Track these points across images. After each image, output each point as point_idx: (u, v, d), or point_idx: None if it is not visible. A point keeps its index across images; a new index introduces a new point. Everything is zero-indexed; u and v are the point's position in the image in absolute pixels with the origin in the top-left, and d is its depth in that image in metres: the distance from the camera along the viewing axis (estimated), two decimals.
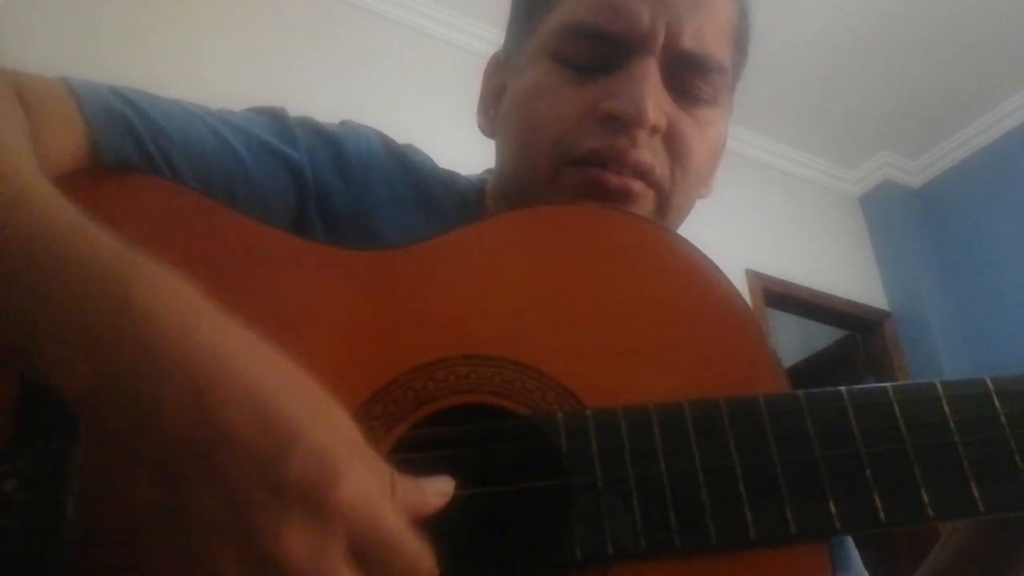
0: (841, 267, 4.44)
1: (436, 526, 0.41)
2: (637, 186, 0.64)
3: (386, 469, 0.41)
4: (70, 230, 0.43)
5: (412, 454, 0.48)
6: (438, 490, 0.44)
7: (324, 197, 0.66)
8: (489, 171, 0.78)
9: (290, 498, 0.37)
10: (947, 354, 4.15)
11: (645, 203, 0.65)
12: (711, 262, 0.55)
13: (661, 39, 0.64)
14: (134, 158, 0.57)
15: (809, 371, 4.44)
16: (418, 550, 0.40)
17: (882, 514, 0.46)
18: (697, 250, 0.55)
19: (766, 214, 4.34)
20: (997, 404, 0.49)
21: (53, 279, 0.40)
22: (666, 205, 0.67)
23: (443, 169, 0.77)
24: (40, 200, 0.44)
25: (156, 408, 0.37)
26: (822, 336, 4.60)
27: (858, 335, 4.46)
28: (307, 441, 0.38)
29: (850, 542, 0.71)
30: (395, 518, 0.39)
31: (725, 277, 0.54)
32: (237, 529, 0.36)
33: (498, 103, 0.74)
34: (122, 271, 0.41)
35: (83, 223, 0.43)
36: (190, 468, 0.37)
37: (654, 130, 0.64)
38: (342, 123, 0.73)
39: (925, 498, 0.46)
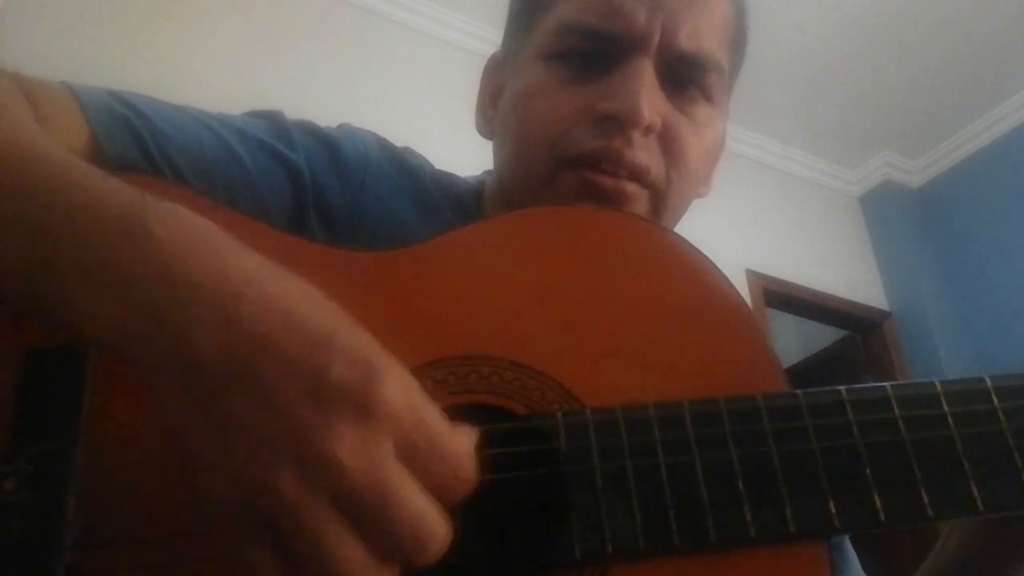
0: (841, 267, 4.44)
1: None
2: (631, 188, 0.64)
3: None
4: (85, 175, 0.44)
5: None
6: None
7: (322, 199, 0.66)
8: (487, 172, 0.78)
9: (336, 400, 0.37)
10: (947, 354, 4.15)
11: (640, 204, 0.66)
12: (710, 262, 0.55)
13: (657, 39, 0.64)
14: (136, 159, 0.58)
15: (809, 371, 4.44)
16: (461, 443, 0.40)
17: (881, 513, 0.46)
18: (696, 250, 0.55)
19: (766, 214, 4.34)
20: (996, 403, 0.49)
21: (74, 223, 0.41)
22: (661, 205, 0.67)
23: (440, 171, 0.77)
24: (54, 153, 0.45)
25: (188, 332, 0.38)
26: (822, 336, 4.60)
27: (858, 335, 4.46)
28: (345, 344, 0.38)
29: (848, 544, 0.71)
30: (438, 414, 0.40)
31: (724, 277, 0.54)
32: (288, 437, 0.36)
33: (496, 104, 0.75)
34: (141, 207, 0.41)
35: (96, 170, 0.44)
36: (231, 384, 0.37)
37: (648, 130, 0.64)
38: (340, 126, 0.73)
39: (924, 497, 0.46)
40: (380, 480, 0.37)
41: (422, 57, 3.61)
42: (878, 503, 0.46)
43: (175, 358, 0.38)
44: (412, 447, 0.38)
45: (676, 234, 0.57)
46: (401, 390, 0.38)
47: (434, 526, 0.38)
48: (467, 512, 0.43)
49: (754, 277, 4.01)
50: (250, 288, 0.39)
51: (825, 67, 4.02)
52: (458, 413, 0.49)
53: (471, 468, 0.40)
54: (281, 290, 0.40)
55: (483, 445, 0.42)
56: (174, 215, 0.41)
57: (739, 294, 0.54)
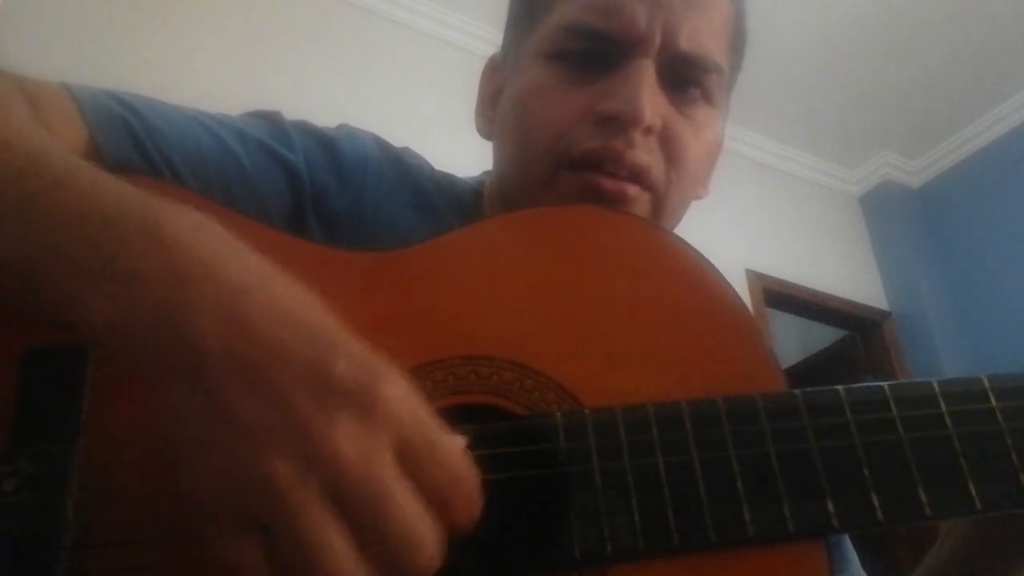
0: (841, 267, 4.44)
1: None
2: (632, 190, 0.65)
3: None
4: (93, 175, 0.44)
5: None
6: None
7: (320, 199, 0.66)
8: (487, 173, 0.78)
9: (339, 396, 0.37)
10: (947, 354, 4.16)
11: (640, 206, 0.66)
12: (709, 262, 0.55)
13: (657, 40, 0.65)
14: (134, 160, 0.58)
15: (809, 371, 4.44)
16: (460, 456, 0.40)
17: (880, 513, 0.46)
18: (695, 251, 0.55)
19: (766, 214, 4.34)
20: (994, 403, 0.49)
21: (82, 221, 0.41)
22: (661, 206, 0.67)
23: (440, 172, 0.77)
24: (58, 152, 0.46)
25: (194, 326, 0.38)
26: (822, 336, 4.61)
27: (858, 335, 4.46)
28: (349, 344, 0.38)
29: (847, 542, 0.71)
30: (437, 423, 0.40)
31: (723, 277, 0.54)
32: (288, 428, 0.36)
33: (496, 105, 0.75)
34: (150, 207, 0.42)
35: (101, 171, 0.44)
36: (234, 378, 0.37)
37: (649, 130, 0.64)
38: (339, 127, 0.73)
39: (922, 496, 0.46)
40: (377, 478, 0.36)
41: (422, 57, 3.61)
42: (876, 503, 0.46)
43: (179, 351, 0.38)
44: (412, 450, 0.38)
45: (675, 235, 0.57)
46: (403, 394, 0.39)
47: (425, 536, 0.37)
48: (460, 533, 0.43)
49: (754, 277, 4.01)
50: (257, 286, 0.39)
51: (825, 67, 4.02)
52: (458, 413, 0.50)
53: (471, 480, 0.40)
54: (287, 291, 0.40)
55: (489, 445, 0.42)
56: (184, 214, 0.42)
57: (738, 295, 0.54)
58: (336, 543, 0.36)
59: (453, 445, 0.40)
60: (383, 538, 0.37)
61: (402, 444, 0.38)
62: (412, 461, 0.38)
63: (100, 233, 0.41)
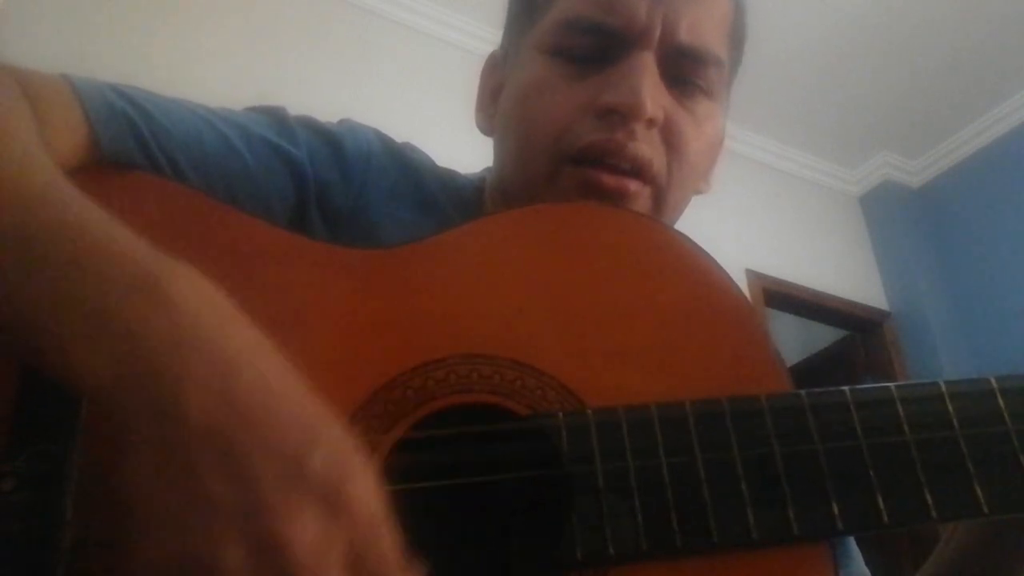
0: (841, 267, 4.44)
1: (436, 526, 0.41)
2: (633, 185, 0.64)
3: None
4: (97, 224, 0.43)
5: (409, 455, 0.48)
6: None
7: (324, 195, 0.66)
8: (488, 170, 0.78)
9: (307, 488, 0.37)
10: (947, 354, 4.15)
11: (641, 201, 0.65)
12: (713, 260, 0.54)
13: (658, 33, 0.65)
14: (135, 155, 0.57)
15: (809, 371, 4.44)
16: (404, 568, 0.39)
17: (885, 515, 0.46)
18: (698, 248, 0.55)
19: (766, 214, 4.34)
20: (1001, 404, 0.49)
21: (80, 271, 0.41)
22: (663, 200, 0.67)
23: (442, 168, 0.77)
24: (66, 196, 0.45)
25: (181, 397, 0.38)
26: (822, 336, 4.60)
27: (858, 335, 4.46)
28: (329, 436, 0.39)
29: (851, 541, 0.71)
30: (394, 542, 0.39)
31: (727, 275, 0.54)
32: (250, 516, 0.36)
33: (496, 101, 0.74)
34: (157, 264, 0.41)
35: (109, 219, 0.44)
36: (211, 457, 0.37)
37: (651, 123, 0.64)
38: (341, 122, 0.73)
39: (928, 499, 0.46)
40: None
41: (422, 57, 3.60)
42: (881, 504, 0.46)
43: (162, 418, 0.38)
44: (362, 557, 0.38)
45: (679, 232, 0.57)
46: (371, 500, 0.39)
47: None
48: (468, 513, 0.43)
49: (754, 277, 4.00)
50: (249, 363, 0.39)
51: (825, 67, 4.02)
52: (459, 413, 0.49)
53: None
54: (277, 371, 0.40)
55: (483, 446, 0.41)
56: (188, 277, 0.42)
57: (742, 292, 0.54)
58: None
59: (403, 572, 0.39)
60: None
61: (356, 549, 0.38)
62: (362, 567, 0.38)
63: (103, 284, 0.40)
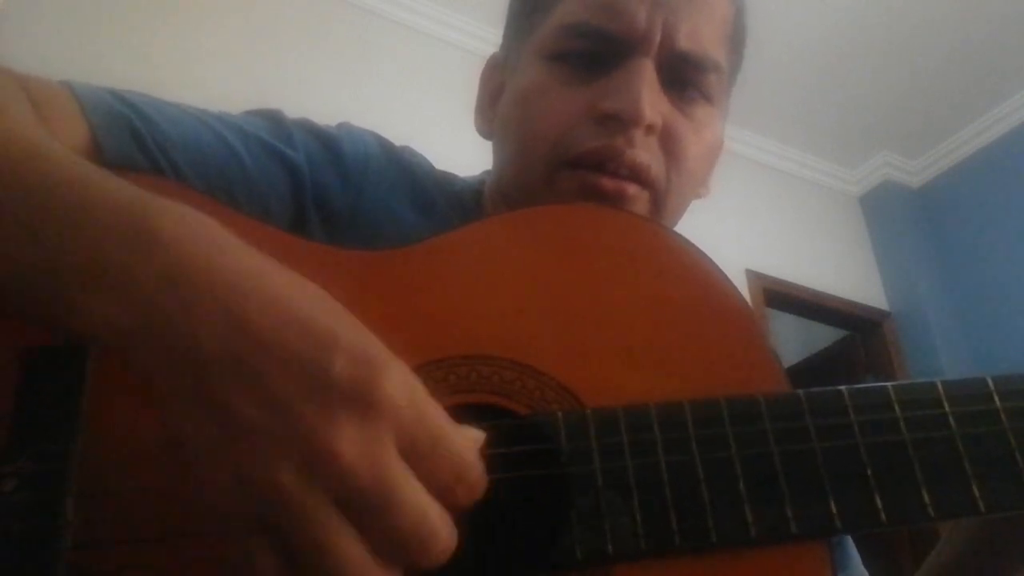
0: (841, 267, 4.44)
1: None
2: (632, 189, 0.65)
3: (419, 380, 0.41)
4: (86, 175, 0.43)
5: None
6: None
7: (322, 198, 0.66)
8: (487, 172, 0.78)
9: (338, 397, 0.37)
10: (947, 354, 4.16)
11: (640, 205, 0.66)
12: (711, 261, 0.55)
13: (657, 39, 0.65)
14: (137, 158, 0.57)
15: (809, 371, 4.45)
16: (465, 443, 0.40)
17: (883, 514, 0.46)
18: (697, 249, 0.55)
19: (766, 214, 4.34)
20: (998, 403, 0.49)
21: (75, 224, 0.41)
22: (662, 205, 0.67)
23: (440, 171, 0.77)
24: (54, 153, 0.45)
25: (192, 330, 0.38)
26: (822, 336, 4.61)
27: (858, 335, 4.46)
28: (347, 341, 0.38)
29: (849, 541, 0.71)
30: (440, 412, 0.40)
31: (725, 276, 0.54)
32: (289, 433, 0.36)
33: (496, 104, 0.75)
34: (143, 206, 0.41)
35: (97, 170, 0.44)
36: (234, 383, 0.37)
37: (650, 129, 0.64)
38: (339, 125, 0.73)
39: (926, 498, 0.46)
40: (382, 476, 0.36)
41: (422, 57, 3.61)
42: (879, 503, 0.46)
43: (178, 356, 0.38)
44: (415, 444, 0.38)
45: (677, 233, 0.57)
46: (404, 387, 0.38)
47: (437, 525, 0.37)
48: (468, 512, 0.43)
49: (754, 277, 4.01)
50: (253, 286, 0.39)
51: (825, 67, 4.02)
52: (458, 413, 0.50)
53: (477, 467, 0.40)
54: (284, 287, 0.40)
55: (489, 445, 0.42)
56: (178, 212, 0.41)
57: (740, 294, 0.54)
58: (348, 546, 0.36)
59: (457, 434, 0.40)
60: (394, 535, 0.37)
61: (405, 438, 0.38)
62: (416, 454, 0.38)
63: (93, 235, 0.40)
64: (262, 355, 0.37)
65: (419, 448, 0.38)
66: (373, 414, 0.37)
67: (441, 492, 0.38)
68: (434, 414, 0.39)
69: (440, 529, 0.38)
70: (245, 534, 0.37)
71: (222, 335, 0.38)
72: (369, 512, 0.36)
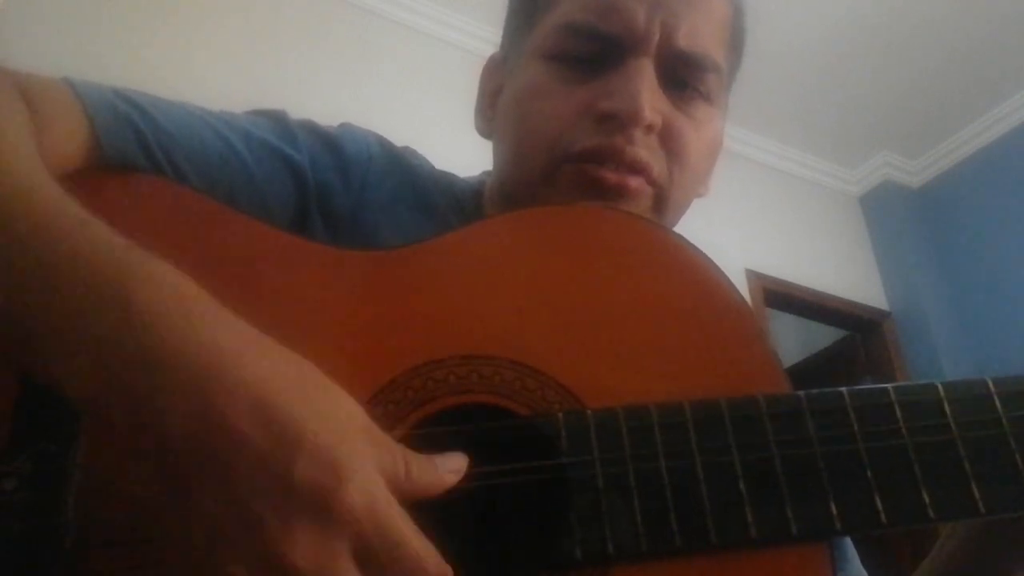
0: (841, 267, 4.44)
1: (436, 526, 0.41)
2: (635, 182, 0.64)
3: (398, 450, 0.42)
4: (71, 228, 0.43)
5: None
6: (451, 467, 0.44)
7: (324, 198, 0.66)
8: (487, 173, 0.78)
9: (297, 500, 0.37)
10: (947, 354, 4.15)
11: (643, 200, 0.66)
12: (711, 261, 0.55)
13: (656, 39, 0.65)
14: (138, 157, 0.57)
15: (809, 371, 4.44)
16: (424, 550, 0.40)
17: (883, 515, 0.46)
18: (697, 249, 0.55)
19: (766, 214, 4.34)
20: (998, 405, 0.49)
21: (54, 279, 0.41)
22: (663, 203, 0.67)
23: (441, 171, 0.77)
24: (41, 197, 0.44)
25: (160, 410, 0.38)
26: (822, 336, 4.60)
27: (858, 335, 4.46)
28: (313, 441, 0.38)
29: (848, 542, 0.71)
30: (401, 519, 0.39)
31: (725, 276, 0.54)
32: (245, 534, 0.36)
33: (496, 104, 0.75)
34: (122, 270, 0.41)
35: (84, 220, 0.43)
36: (195, 471, 0.37)
37: (650, 128, 0.64)
38: (341, 126, 0.73)
39: (926, 499, 0.46)
40: None
41: (422, 57, 3.60)
42: (879, 505, 0.46)
43: (146, 436, 0.38)
44: (371, 552, 0.38)
45: (677, 234, 0.57)
46: (364, 495, 0.38)
47: None
48: (467, 513, 0.43)
49: (754, 277, 4.00)
50: (224, 372, 0.39)
51: (825, 67, 4.02)
52: (459, 413, 0.50)
53: (436, 563, 0.40)
54: (259, 369, 0.40)
55: (489, 445, 0.41)
56: (158, 281, 0.41)
57: (740, 295, 0.54)
58: None
59: (416, 540, 0.39)
60: None
61: (361, 547, 0.38)
62: (373, 563, 0.38)
63: (70, 302, 0.40)
64: (225, 446, 0.37)
65: (377, 557, 0.38)
66: (331, 524, 0.37)
67: None
68: (393, 521, 0.39)
69: None
70: None
71: (189, 420, 0.37)
72: None
